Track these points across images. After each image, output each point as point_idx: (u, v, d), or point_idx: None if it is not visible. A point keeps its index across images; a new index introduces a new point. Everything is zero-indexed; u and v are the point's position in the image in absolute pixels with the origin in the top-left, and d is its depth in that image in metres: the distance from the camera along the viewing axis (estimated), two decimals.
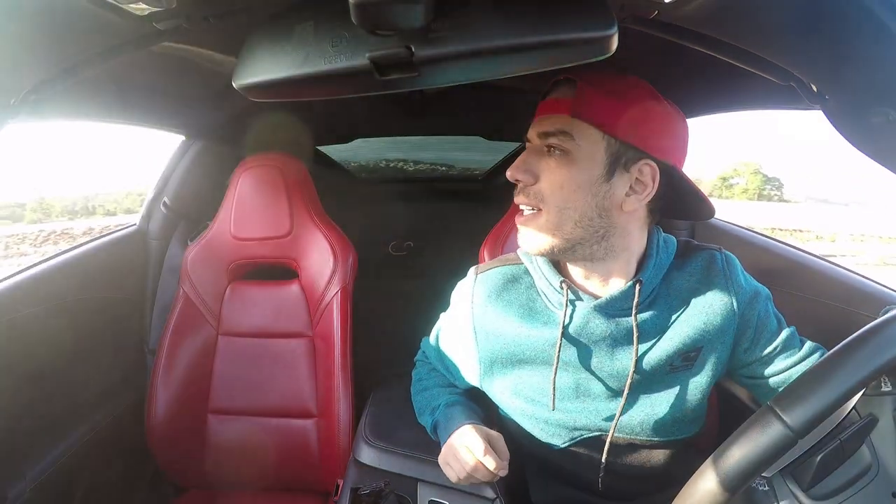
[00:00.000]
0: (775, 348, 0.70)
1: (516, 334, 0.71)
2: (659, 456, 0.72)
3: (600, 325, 0.67)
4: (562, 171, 0.62)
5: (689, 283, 0.69)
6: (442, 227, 1.68)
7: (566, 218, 0.63)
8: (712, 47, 0.55)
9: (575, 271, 0.70)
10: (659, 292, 0.69)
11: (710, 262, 0.70)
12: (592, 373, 0.69)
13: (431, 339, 0.89)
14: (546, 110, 0.64)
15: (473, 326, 0.75)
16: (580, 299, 0.68)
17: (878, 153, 0.49)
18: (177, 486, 1.16)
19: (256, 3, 0.52)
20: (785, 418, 0.40)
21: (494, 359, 0.73)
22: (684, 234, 1.28)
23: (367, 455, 0.82)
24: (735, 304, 0.68)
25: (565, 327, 0.67)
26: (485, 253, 1.05)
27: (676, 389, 0.69)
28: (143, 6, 0.45)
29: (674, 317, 0.68)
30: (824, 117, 0.54)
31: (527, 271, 0.74)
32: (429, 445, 0.82)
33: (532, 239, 0.66)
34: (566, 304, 0.67)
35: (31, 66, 0.52)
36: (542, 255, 0.68)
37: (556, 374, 0.68)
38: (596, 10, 0.43)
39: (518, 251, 0.76)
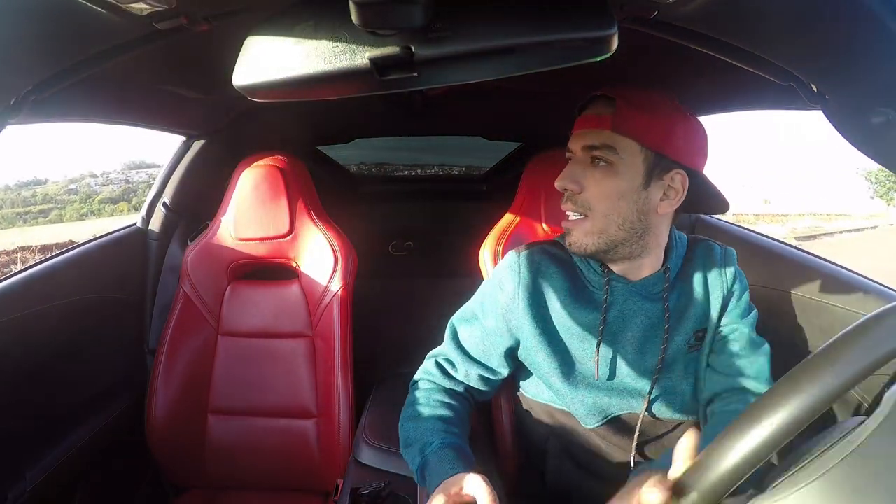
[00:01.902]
0: (728, 342, 0.78)
1: (562, 307, 0.76)
2: (680, 435, 0.74)
3: (637, 306, 0.75)
4: (607, 181, 0.69)
5: (695, 269, 0.79)
6: (442, 227, 1.68)
7: (610, 223, 0.70)
8: (712, 47, 0.55)
9: (612, 265, 0.76)
10: (677, 278, 0.78)
11: (710, 251, 0.80)
12: (628, 351, 0.75)
13: (458, 322, 0.85)
14: (588, 125, 0.71)
15: (522, 297, 0.76)
16: (618, 282, 0.75)
17: (879, 153, 0.49)
18: (177, 486, 1.16)
19: (256, 3, 0.52)
20: None
21: (541, 331, 0.76)
22: (685, 232, 1.29)
23: (367, 455, 0.82)
24: (725, 288, 0.78)
25: (608, 305, 0.74)
26: (485, 253, 1.05)
27: (693, 368, 0.77)
28: (143, 6, 0.45)
29: (687, 300, 0.77)
30: (823, 117, 0.54)
31: (566, 253, 0.80)
32: None
33: (579, 241, 0.72)
34: (606, 284, 0.75)
35: (31, 66, 0.52)
36: (587, 255, 0.74)
37: (599, 345, 0.74)
38: (596, 10, 0.43)
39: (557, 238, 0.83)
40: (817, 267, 0.98)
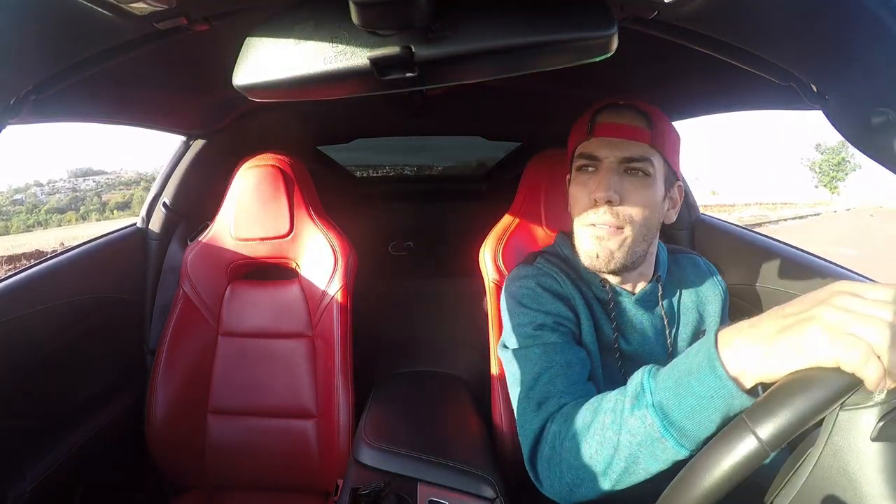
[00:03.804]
0: None
1: (587, 322, 0.75)
2: None
3: (641, 317, 0.77)
4: (644, 192, 0.70)
5: (684, 276, 0.83)
6: (442, 227, 1.68)
7: (642, 234, 0.71)
8: (712, 47, 0.55)
9: (612, 277, 0.77)
10: (666, 282, 0.80)
11: (696, 263, 0.86)
12: (643, 360, 0.73)
13: (527, 360, 0.70)
14: (624, 134, 0.70)
15: (576, 306, 0.75)
16: (618, 294, 0.77)
17: (879, 153, 0.49)
18: (176, 486, 1.16)
19: (256, 3, 0.52)
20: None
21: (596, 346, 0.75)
22: (685, 233, 1.28)
23: (367, 455, 0.82)
24: (722, 295, 0.83)
25: (617, 318, 0.75)
26: (485, 253, 1.05)
27: None
28: (143, 6, 0.45)
29: (680, 304, 0.80)
30: (823, 117, 0.54)
31: (567, 266, 0.80)
32: (429, 445, 0.82)
33: (611, 254, 0.71)
34: (612, 300, 0.76)
35: (31, 66, 0.52)
36: (613, 270, 0.72)
37: (619, 358, 0.74)
38: (596, 10, 0.43)
39: (547, 253, 0.84)
40: (818, 267, 0.98)
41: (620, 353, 0.74)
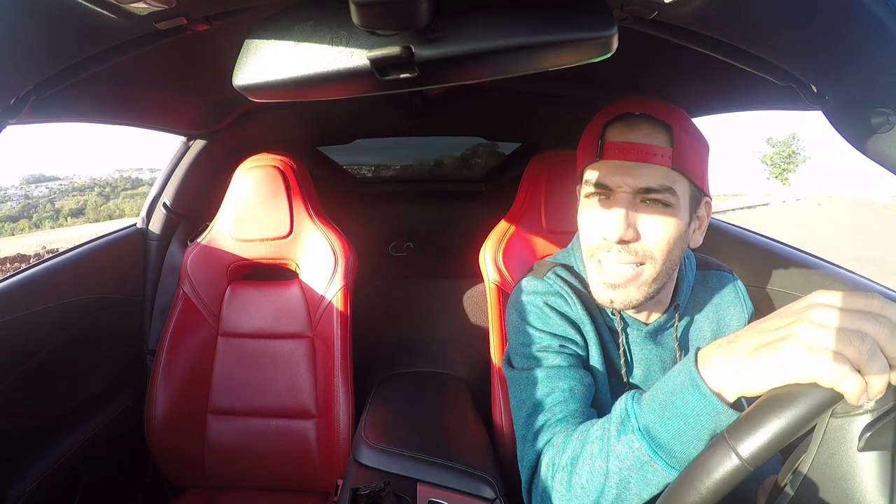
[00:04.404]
0: None
1: (596, 347, 0.69)
2: None
3: (650, 349, 0.70)
4: (667, 224, 0.60)
5: (711, 298, 0.74)
6: (442, 227, 1.68)
7: (665, 269, 0.62)
8: (712, 47, 0.55)
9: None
10: (687, 307, 0.72)
11: (726, 283, 0.76)
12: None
13: (527, 386, 0.67)
14: (639, 157, 0.59)
15: (585, 331, 0.69)
16: (629, 325, 0.70)
17: (878, 154, 0.49)
18: (176, 486, 1.16)
19: (256, 3, 0.52)
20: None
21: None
22: None
23: (367, 456, 0.82)
24: (746, 322, 0.73)
25: (627, 351, 0.70)
26: (486, 254, 1.05)
27: None
28: (143, 6, 0.45)
29: (699, 332, 0.72)
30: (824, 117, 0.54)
31: (579, 282, 0.73)
32: (429, 445, 0.82)
33: (630, 297, 0.62)
34: (622, 332, 0.70)
35: (31, 66, 0.52)
36: (632, 308, 0.64)
37: (628, 386, 0.69)
38: (596, 10, 0.43)
39: (559, 265, 0.76)
40: (819, 268, 0.98)
41: (629, 384, 0.70)
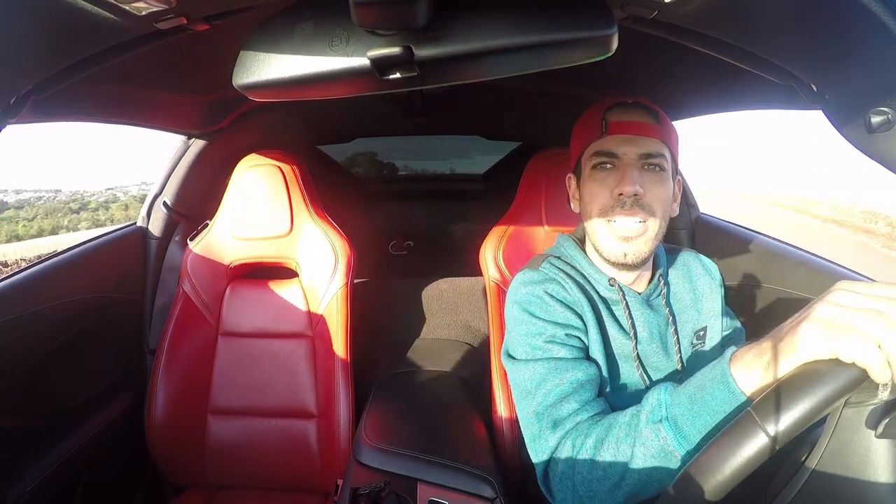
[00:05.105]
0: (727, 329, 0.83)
1: (597, 327, 0.74)
2: None
3: (648, 314, 0.75)
4: (663, 185, 0.72)
5: (681, 271, 0.83)
6: (442, 227, 1.68)
7: (661, 228, 0.73)
8: (712, 47, 0.55)
9: (621, 275, 0.76)
10: (666, 279, 0.81)
11: (692, 260, 0.86)
12: (660, 358, 0.75)
13: (534, 370, 0.69)
14: (639, 131, 0.72)
15: (583, 313, 0.74)
16: (630, 295, 0.76)
17: (878, 153, 0.48)
18: (176, 485, 1.16)
19: (256, 2, 0.52)
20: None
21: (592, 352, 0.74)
22: (685, 233, 1.28)
23: (367, 455, 0.82)
24: (720, 291, 0.83)
25: (631, 319, 0.74)
26: (486, 253, 1.05)
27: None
28: (143, 6, 0.45)
29: (680, 301, 0.80)
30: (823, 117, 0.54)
31: (571, 268, 0.79)
32: (429, 445, 0.82)
33: (640, 250, 0.72)
34: (623, 300, 0.75)
35: (31, 65, 0.52)
36: (636, 263, 0.73)
37: (638, 358, 0.73)
38: (596, 10, 0.43)
39: (551, 256, 0.82)
40: (818, 266, 0.98)
41: (637, 354, 0.73)
